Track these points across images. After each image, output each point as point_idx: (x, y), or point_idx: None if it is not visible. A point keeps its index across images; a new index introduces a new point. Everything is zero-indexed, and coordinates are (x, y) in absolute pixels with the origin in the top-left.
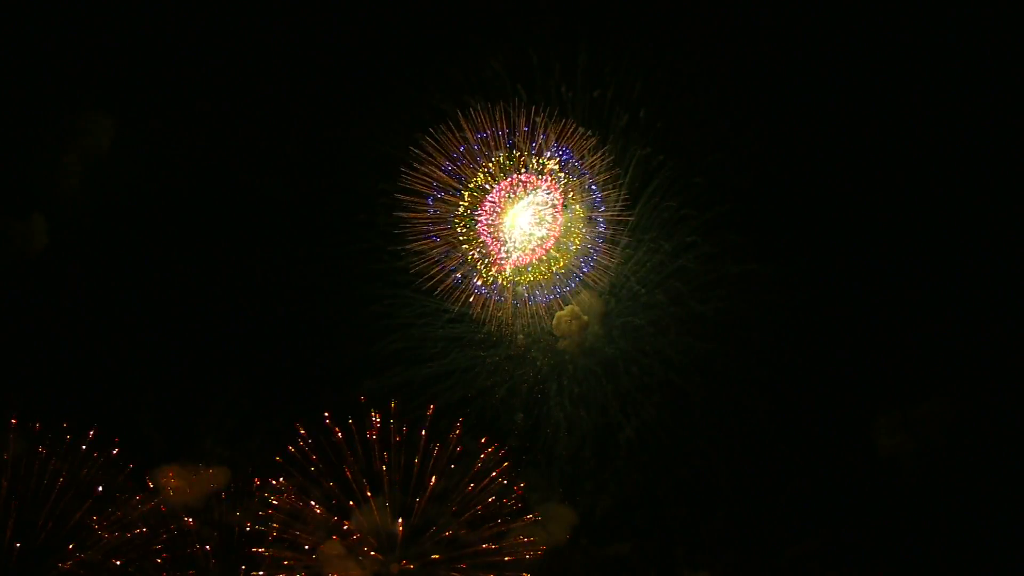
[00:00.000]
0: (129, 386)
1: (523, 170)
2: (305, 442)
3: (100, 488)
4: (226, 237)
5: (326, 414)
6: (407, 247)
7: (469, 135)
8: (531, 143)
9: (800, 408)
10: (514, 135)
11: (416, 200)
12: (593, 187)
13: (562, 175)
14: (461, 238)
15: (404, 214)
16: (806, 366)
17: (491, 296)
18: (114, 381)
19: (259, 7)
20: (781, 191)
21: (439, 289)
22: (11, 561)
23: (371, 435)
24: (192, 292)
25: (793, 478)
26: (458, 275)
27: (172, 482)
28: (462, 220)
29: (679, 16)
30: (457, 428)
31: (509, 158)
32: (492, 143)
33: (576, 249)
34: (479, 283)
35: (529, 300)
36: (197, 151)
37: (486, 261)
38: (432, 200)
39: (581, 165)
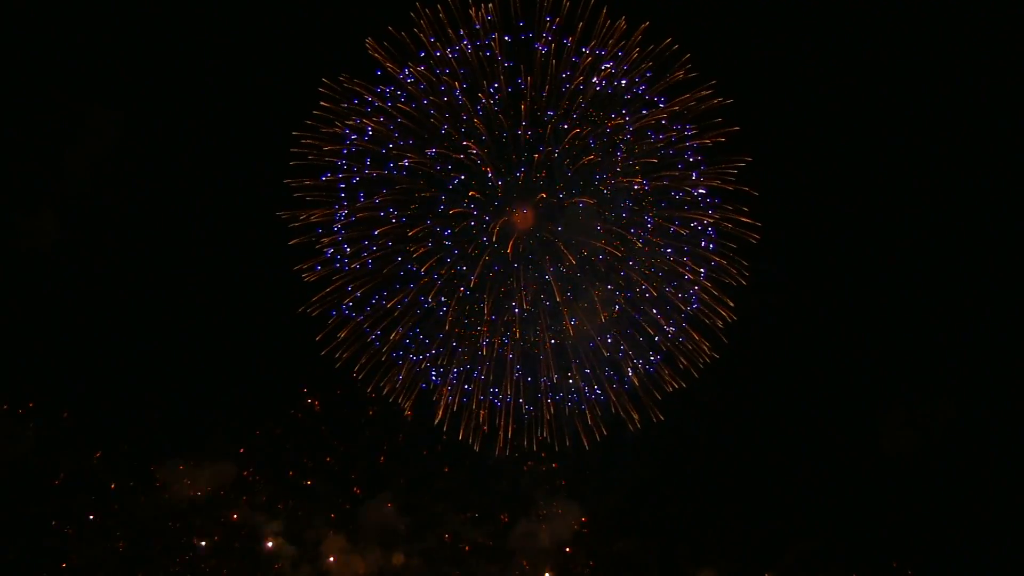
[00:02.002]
0: (134, 381)
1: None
2: (308, 438)
3: (104, 483)
4: (232, 234)
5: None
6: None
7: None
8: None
9: (803, 406)
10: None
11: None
12: (692, 159)
13: (621, 143)
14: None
15: (286, 215)
16: (808, 365)
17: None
18: (118, 376)
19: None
20: (782, 191)
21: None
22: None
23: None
24: (198, 288)
25: (797, 476)
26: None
27: (177, 477)
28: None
29: (677, 15)
30: (462, 426)
31: (515, 98)
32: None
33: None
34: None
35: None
36: (205, 147)
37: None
38: (342, 179)
39: (664, 110)
